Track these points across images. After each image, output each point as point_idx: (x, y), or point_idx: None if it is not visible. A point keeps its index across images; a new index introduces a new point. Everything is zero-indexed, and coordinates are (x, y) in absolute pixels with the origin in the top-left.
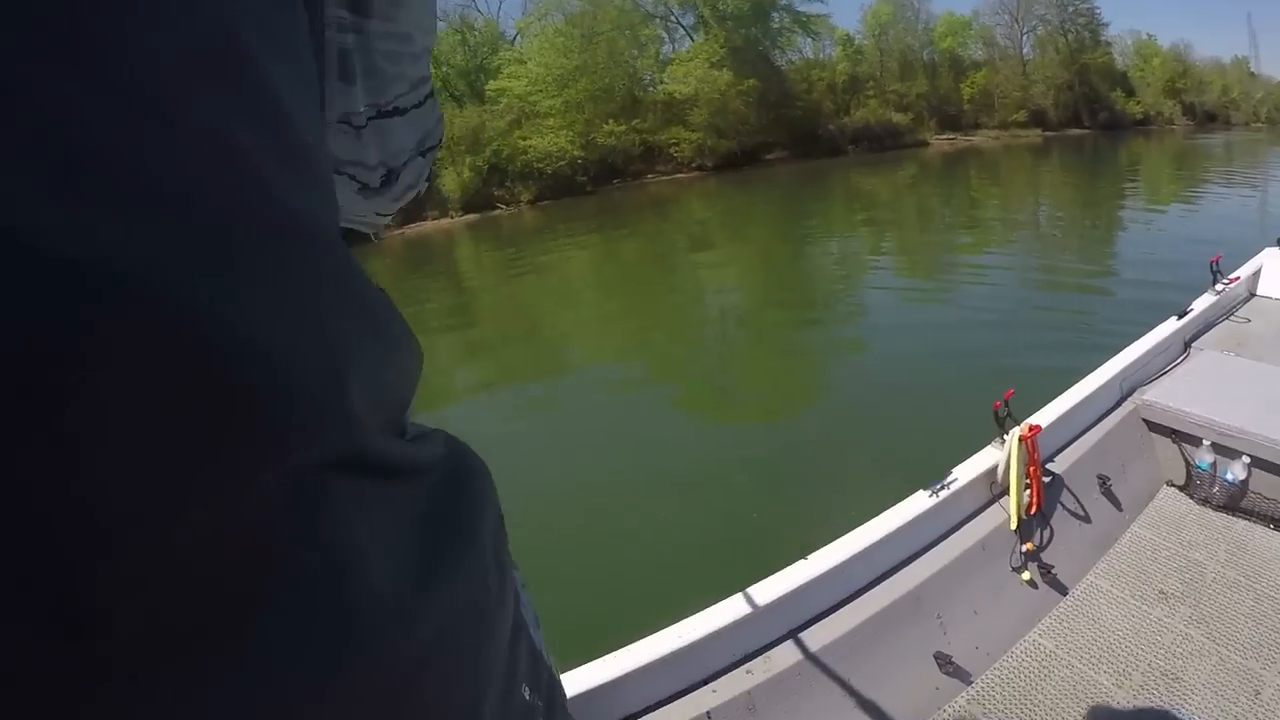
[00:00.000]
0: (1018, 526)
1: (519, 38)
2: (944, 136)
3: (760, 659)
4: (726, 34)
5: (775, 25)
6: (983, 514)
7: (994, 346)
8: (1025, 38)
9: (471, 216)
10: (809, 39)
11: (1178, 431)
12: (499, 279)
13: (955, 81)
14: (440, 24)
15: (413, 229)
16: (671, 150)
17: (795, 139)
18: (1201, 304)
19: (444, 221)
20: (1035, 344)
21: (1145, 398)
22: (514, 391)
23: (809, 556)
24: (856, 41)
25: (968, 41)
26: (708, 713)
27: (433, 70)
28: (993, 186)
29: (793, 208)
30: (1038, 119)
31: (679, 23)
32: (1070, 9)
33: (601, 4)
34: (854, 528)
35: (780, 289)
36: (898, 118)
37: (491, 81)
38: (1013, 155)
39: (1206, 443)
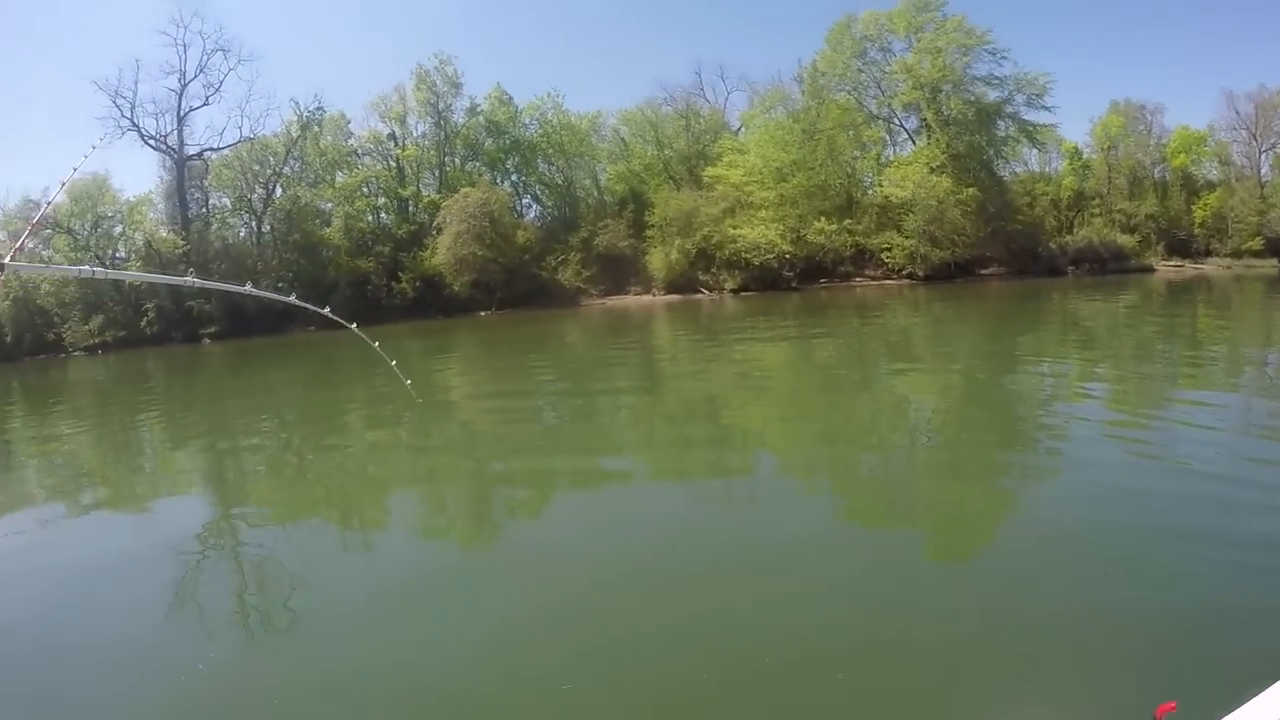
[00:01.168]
0: None
1: (742, 129)
2: (1171, 263)
3: None
4: (949, 139)
5: (1000, 134)
6: None
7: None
8: (1263, 156)
9: (673, 297)
10: (1034, 150)
11: None
12: (691, 359)
13: (1187, 202)
14: (667, 109)
15: (614, 300)
16: (883, 255)
17: (1013, 254)
18: None
19: (645, 298)
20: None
21: None
22: (680, 475)
23: None
24: (1084, 155)
25: (1202, 159)
26: None
27: (656, 152)
28: (1221, 322)
29: (1003, 326)
30: (1274, 247)
31: (902, 125)
32: None
33: (826, 101)
34: None
35: (976, 409)
36: (1123, 239)
37: (710, 168)
38: (1245, 287)
39: None
